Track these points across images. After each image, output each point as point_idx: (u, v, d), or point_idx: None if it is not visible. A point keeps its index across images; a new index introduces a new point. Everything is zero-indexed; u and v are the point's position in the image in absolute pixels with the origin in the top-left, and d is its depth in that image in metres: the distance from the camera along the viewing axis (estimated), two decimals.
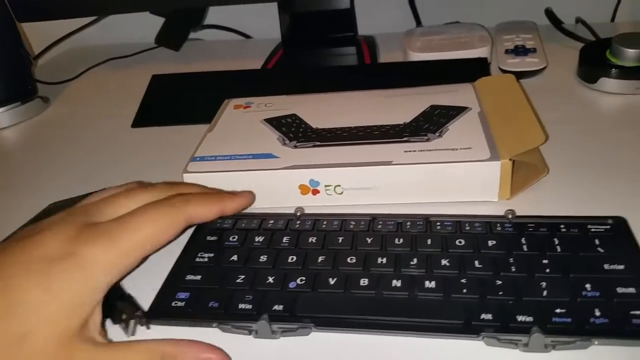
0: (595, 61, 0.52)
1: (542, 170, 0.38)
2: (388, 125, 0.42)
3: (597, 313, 0.27)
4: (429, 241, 0.33)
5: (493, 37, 0.59)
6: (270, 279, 0.32)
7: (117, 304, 0.30)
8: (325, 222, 0.36)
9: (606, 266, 0.30)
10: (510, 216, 0.34)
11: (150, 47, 0.70)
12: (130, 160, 0.49)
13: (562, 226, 0.33)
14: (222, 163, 0.40)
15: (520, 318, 0.27)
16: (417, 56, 0.56)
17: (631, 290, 0.28)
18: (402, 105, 0.45)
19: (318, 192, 0.38)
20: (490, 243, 0.32)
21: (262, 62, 0.62)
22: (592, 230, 0.32)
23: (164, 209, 0.31)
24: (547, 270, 0.30)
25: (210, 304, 0.31)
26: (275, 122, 0.45)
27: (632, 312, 0.27)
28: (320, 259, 0.33)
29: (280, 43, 0.63)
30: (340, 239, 0.34)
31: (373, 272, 0.31)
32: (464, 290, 0.29)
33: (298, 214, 0.37)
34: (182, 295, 0.31)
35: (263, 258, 0.33)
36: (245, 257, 0.34)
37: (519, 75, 0.53)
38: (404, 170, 0.37)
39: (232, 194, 0.38)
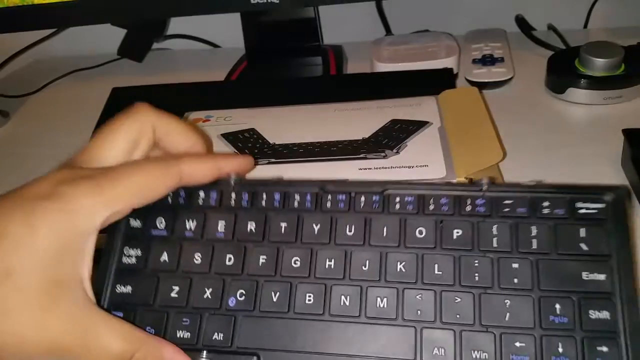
0: (563, 71, 0.51)
1: None
2: (346, 141, 0.41)
3: (560, 349, 0.25)
4: (384, 230, 0.28)
5: (461, 46, 0.58)
6: (208, 293, 0.29)
7: None
8: (265, 197, 0.30)
9: (584, 275, 0.26)
10: (485, 187, 0.28)
11: (115, 58, 0.68)
12: None
13: (544, 204, 0.28)
14: None
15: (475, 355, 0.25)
16: (383, 66, 0.55)
17: (604, 315, 0.25)
18: (363, 119, 0.44)
19: None
20: (455, 234, 0.28)
21: (228, 72, 0.60)
22: (580, 212, 0.27)
23: (155, 162, 0.29)
24: (515, 281, 0.26)
25: (147, 330, 0.28)
26: (232, 138, 0.43)
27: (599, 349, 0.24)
28: (261, 260, 0.29)
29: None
30: (283, 225, 0.30)
31: (319, 280, 0.28)
32: (418, 312, 0.27)
33: (233, 182, 0.31)
34: (118, 314, 0.29)
35: (197, 258, 0.30)
36: (176, 255, 0.30)
37: (486, 86, 0.53)
38: None
39: (229, 155, 0.35)
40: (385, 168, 0.37)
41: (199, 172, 0.30)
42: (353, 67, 0.61)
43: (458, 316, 0.26)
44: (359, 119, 0.44)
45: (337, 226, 0.29)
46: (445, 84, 0.49)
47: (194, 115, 0.48)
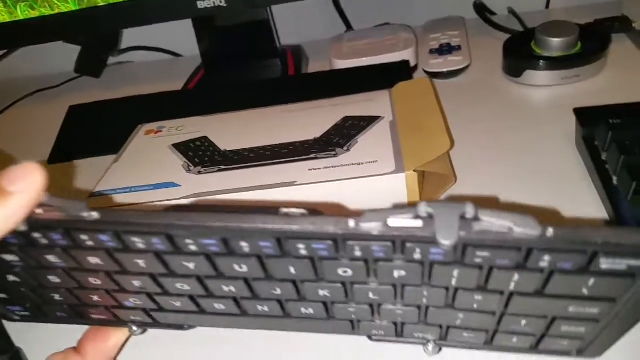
0: (520, 54, 0.50)
1: (449, 180, 0.36)
2: (298, 142, 0.40)
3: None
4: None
5: (420, 37, 0.57)
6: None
7: None
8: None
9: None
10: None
11: (76, 76, 0.67)
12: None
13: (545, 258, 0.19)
14: (121, 196, 0.38)
15: None
16: (341, 63, 0.54)
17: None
18: (316, 118, 0.43)
19: None
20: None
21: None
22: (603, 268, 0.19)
23: None
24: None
25: None
26: (183, 147, 0.43)
27: None
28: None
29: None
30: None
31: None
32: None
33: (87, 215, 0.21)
34: None
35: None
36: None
37: (442, 75, 0.52)
38: (308, 190, 0.35)
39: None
40: (336, 167, 0.36)
41: None
42: (315, 66, 0.60)
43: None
44: (312, 119, 0.43)
45: None
46: (402, 77, 0.49)
47: (146, 127, 0.47)
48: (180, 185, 0.37)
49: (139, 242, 0.21)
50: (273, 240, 0.20)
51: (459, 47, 0.53)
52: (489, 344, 0.25)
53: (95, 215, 0.21)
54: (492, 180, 0.38)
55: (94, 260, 0.23)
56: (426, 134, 0.37)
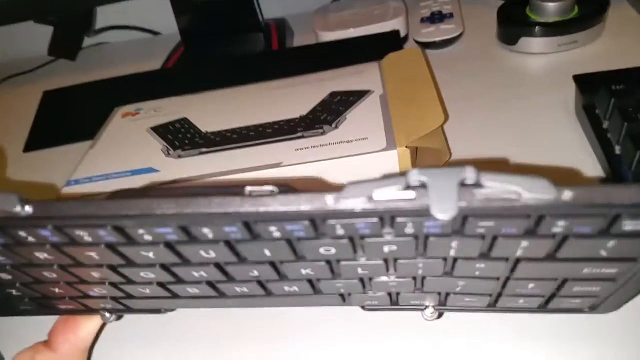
0: (514, 20, 0.48)
1: (444, 155, 0.34)
2: (283, 121, 0.38)
3: None
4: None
5: (410, 6, 0.54)
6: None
7: None
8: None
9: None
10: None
11: (50, 60, 0.64)
12: (23, 190, 0.45)
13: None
14: (98, 185, 0.36)
15: None
16: (327, 35, 0.52)
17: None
18: (301, 95, 0.41)
19: None
20: None
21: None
22: (626, 230, 0.18)
23: None
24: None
25: None
26: (162, 130, 0.40)
27: None
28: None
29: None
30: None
31: None
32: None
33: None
34: None
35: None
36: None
37: (434, 45, 0.50)
38: (295, 171, 0.33)
39: None
40: (324, 146, 0.34)
41: None
42: (300, 40, 0.58)
43: None
44: (298, 96, 0.41)
45: None
46: (392, 48, 0.46)
47: (123, 110, 0.44)
48: (159, 171, 0.35)
49: (85, 236, 0.19)
50: (240, 224, 0.18)
51: (451, 15, 0.51)
52: (492, 306, 0.24)
53: (28, 209, 0.18)
54: (488, 153, 0.36)
55: (41, 255, 0.21)
56: (419, 107, 0.34)
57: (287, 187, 0.17)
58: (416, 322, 0.26)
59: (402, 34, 0.51)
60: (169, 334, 0.30)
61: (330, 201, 0.16)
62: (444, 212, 0.15)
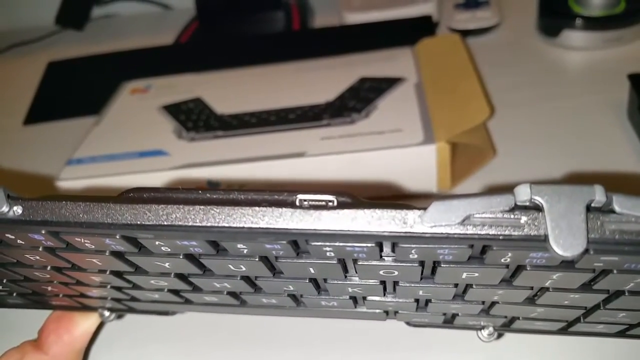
0: (556, 11, 0.44)
1: (487, 153, 0.31)
2: (307, 105, 0.35)
3: None
4: None
5: None
6: None
7: None
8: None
9: None
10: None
11: (57, 30, 0.61)
12: (22, 164, 0.42)
13: None
14: (101, 166, 0.33)
15: None
16: (352, 17, 0.48)
17: None
18: (327, 79, 0.37)
19: None
20: None
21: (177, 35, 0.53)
22: None
23: None
24: None
25: None
26: (174, 109, 0.37)
27: None
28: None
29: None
30: None
31: None
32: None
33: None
34: None
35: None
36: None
37: (470, 33, 0.46)
38: (320, 162, 0.30)
39: None
40: (352, 136, 0.31)
41: None
42: (321, 20, 0.54)
43: None
44: (323, 80, 0.37)
45: None
46: (423, 34, 0.43)
47: (132, 85, 0.41)
48: (169, 154, 0.32)
49: (87, 243, 0.16)
50: (285, 242, 0.15)
51: (486, 2, 0.47)
52: (564, 330, 0.21)
53: (17, 210, 0.15)
54: (531, 155, 0.33)
55: (33, 257, 0.18)
56: (460, 99, 0.31)
57: (347, 195, 0.14)
58: (468, 339, 0.23)
59: (434, 20, 0.48)
60: (170, 335, 0.27)
61: (411, 221, 0.13)
62: (567, 247, 0.12)
